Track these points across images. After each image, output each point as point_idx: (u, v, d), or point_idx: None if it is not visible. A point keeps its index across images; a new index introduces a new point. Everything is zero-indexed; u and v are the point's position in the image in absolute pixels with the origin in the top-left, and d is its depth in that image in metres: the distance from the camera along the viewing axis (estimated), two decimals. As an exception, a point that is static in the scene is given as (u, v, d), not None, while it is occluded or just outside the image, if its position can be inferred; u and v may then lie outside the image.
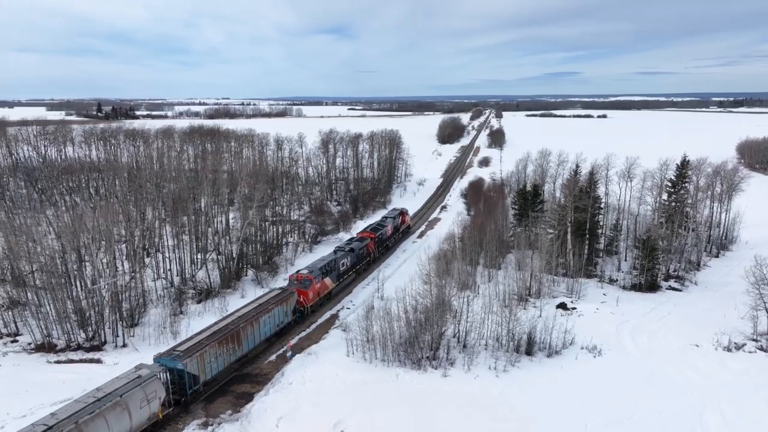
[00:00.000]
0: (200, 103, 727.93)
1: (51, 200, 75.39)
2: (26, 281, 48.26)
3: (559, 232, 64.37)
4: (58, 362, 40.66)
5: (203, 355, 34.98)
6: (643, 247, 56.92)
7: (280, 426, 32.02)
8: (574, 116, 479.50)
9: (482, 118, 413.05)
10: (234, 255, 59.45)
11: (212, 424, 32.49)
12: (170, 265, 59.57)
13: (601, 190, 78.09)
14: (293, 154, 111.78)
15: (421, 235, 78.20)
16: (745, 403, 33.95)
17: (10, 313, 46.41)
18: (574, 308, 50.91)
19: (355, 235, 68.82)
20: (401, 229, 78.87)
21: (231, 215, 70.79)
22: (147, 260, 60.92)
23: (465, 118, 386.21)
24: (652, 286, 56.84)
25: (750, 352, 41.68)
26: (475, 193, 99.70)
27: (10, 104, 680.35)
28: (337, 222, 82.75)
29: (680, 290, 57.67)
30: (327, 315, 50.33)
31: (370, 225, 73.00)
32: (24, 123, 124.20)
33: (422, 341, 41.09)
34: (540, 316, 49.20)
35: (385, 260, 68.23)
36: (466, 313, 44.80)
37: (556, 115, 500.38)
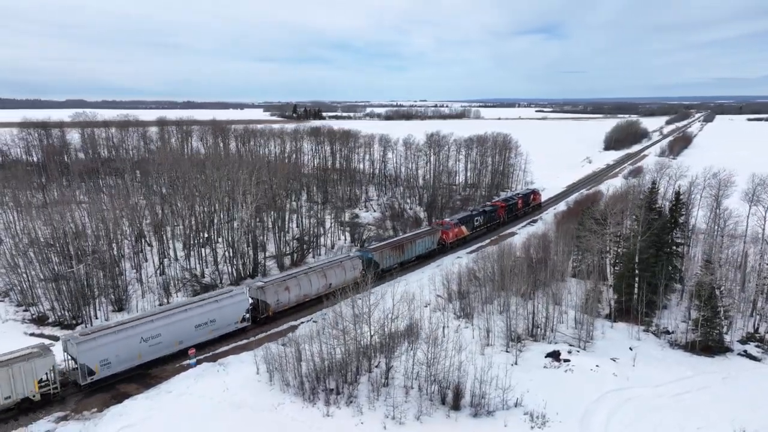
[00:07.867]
0: (397, 105, 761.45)
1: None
2: (81, 259, 54.65)
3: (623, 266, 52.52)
4: (31, 335, 45.44)
5: (382, 253, 60.46)
6: (697, 293, 43.15)
7: (118, 435, 31.24)
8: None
9: (682, 122, 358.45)
10: (248, 254, 60.38)
11: (68, 419, 32.97)
12: (205, 258, 62.58)
13: (700, 216, 62.13)
14: (385, 156, 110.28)
15: (473, 251, 70.25)
16: None
17: (41, 285, 53.04)
18: (567, 360, 40.72)
19: (488, 203, 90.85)
20: (531, 204, 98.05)
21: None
22: (182, 252, 65.17)
23: (658, 122, 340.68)
24: (711, 347, 42.79)
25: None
26: (578, 207, 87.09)
27: (243, 106, 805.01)
28: (396, 228, 78.97)
29: (758, 359, 42.38)
30: (286, 326, 47.96)
31: (503, 197, 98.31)
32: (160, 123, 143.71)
33: (336, 372, 36.69)
34: (514, 363, 40.48)
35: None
36: (400, 347, 39.06)
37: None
